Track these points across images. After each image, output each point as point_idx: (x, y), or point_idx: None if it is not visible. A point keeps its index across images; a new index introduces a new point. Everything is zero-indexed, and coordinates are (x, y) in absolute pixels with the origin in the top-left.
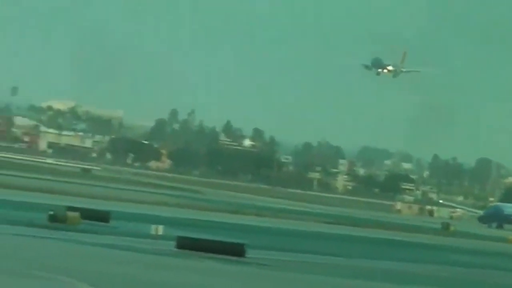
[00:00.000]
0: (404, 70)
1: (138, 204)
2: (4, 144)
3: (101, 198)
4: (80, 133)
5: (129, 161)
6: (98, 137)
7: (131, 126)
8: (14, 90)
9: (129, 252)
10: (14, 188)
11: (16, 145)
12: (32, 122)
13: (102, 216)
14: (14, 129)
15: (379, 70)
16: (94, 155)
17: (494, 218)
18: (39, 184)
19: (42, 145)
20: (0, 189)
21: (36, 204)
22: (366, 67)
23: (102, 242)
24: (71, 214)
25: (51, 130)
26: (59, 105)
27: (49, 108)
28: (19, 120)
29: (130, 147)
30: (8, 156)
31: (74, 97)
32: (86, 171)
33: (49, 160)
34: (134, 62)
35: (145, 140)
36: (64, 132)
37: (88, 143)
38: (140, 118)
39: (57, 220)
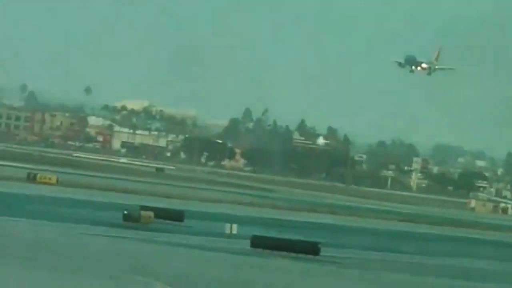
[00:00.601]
0: (438, 67)
1: (212, 203)
2: (78, 143)
3: (175, 197)
4: (154, 133)
5: (203, 160)
6: (172, 137)
7: (205, 125)
8: (88, 90)
9: (204, 251)
10: (89, 188)
11: (90, 145)
12: (106, 122)
13: (176, 215)
14: (88, 129)
15: (413, 67)
16: (168, 154)
17: None
18: (114, 184)
19: (116, 144)
20: (76, 189)
21: (111, 203)
22: (399, 64)
23: (176, 241)
24: (145, 213)
25: (125, 130)
26: (133, 104)
27: (123, 107)
28: (93, 120)
29: (204, 146)
30: (82, 155)
31: (148, 97)
32: (160, 170)
33: (123, 160)
34: (208, 61)
35: (219, 139)
36: (138, 132)
37: (162, 143)
38: (214, 117)
39: (131, 219)
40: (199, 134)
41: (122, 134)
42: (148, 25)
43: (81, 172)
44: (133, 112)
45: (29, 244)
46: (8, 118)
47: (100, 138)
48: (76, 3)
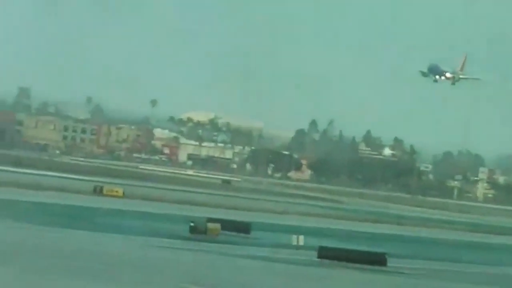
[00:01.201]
0: (462, 77)
1: (279, 215)
2: (144, 156)
3: (242, 209)
4: (220, 144)
5: (269, 171)
6: (238, 148)
7: (271, 137)
8: (154, 102)
9: (270, 263)
10: (155, 200)
11: (156, 157)
12: (172, 134)
13: (242, 227)
14: (154, 141)
15: (437, 77)
16: (234, 166)
17: None
18: (180, 196)
19: (182, 156)
20: (142, 201)
21: (177, 216)
22: (423, 74)
23: (242, 253)
24: (211, 225)
25: (191, 142)
26: (199, 116)
27: (189, 119)
28: (158, 132)
29: (270, 158)
30: (148, 168)
31: (214, 108)
32: (226, 182)
33: (189, 172)
34: (273, 72)
35: (285, 151)
36: (204, 144)
37: (228, 154)
38: (280, 129)
39: (197, 231)
40: (265, 145)
41: (188, 146)
42: (214, 37)
43: (148, 184)
44: (199, 124)
45: (95, 257)
46: (74, 131)
47: (166, 151)
48: (141, 15)
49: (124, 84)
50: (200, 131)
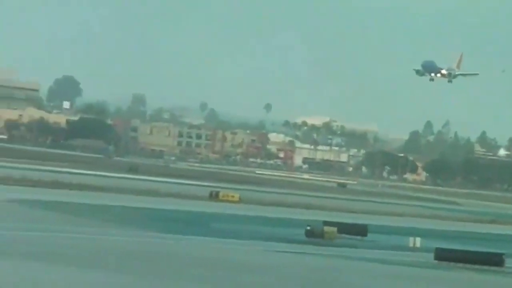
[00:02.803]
0: (459, 73)
1: (395, 217)
2: (259, 160)
3: (358, 212)
4: (335, 148)
5: (385, 174)
6: (353, 151)
7: (386, 139)
8: (268, 107)
9: (387, 265)
10: (271, 205)
11: (271, 162)
12: (287, 138)
13: (359, 230)
14: (269, 146)
15: (432, 74)
16: (349, 169)
17: None
18: (296, 200)
19: (297, 160)
20: (258, 206)
21: (294, 220)
22: (417, 72)
23: (359, 256)
24: (328, 228)
25: (306, 146)
26: (314, 120)
27: (304, 123)
28: (273, 137)
29: (385, 160)
30: (264, 172)
31: (328, 112)
32: (342, 185)
33: (305, 176)
34: (388, 76)
35: (400, 153)
36: (319, 147)
37: (343, 158)
38: (394, 131)
39: (314, 235)
40: (380, 148)
41: (303, 150)
42: (326, 41)
43: (263, 189)
44: (313, 127)
45: (216, 264)
46: (189, 136)
47: (282, 155)
48: (253, 21)
49: (238, 89)
50: (315, 134)
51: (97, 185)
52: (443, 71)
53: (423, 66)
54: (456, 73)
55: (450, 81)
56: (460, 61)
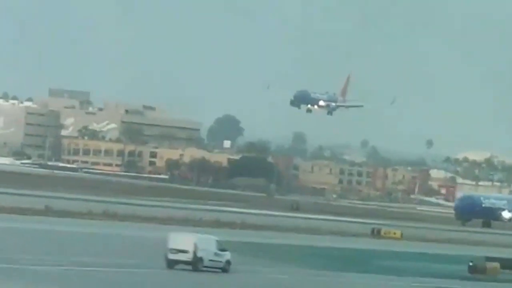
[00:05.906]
0: (340, 104)
1: None
2: (420, 197)
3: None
4: (497, 183)
5: None
6: None
7: None
8: (429, 143)
9: None
10: (433, 241)
11: (432, 199)
12: (448, 174)
13: None
14: (430, 182)
15: (309, 106)
16: None
17: (471, 212)
18: (457, 236)
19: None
20: (420, 243)
21: (455, 255)
22: (291, 103)
23: None
24: (490, 264)
25: (467, 182)
26: (475, 155)
27: (465, 159)
28: (435, 173)
29: None
30: (425, 209)
31: (489, 147)
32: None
33: None
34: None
35: None
36: (480, 183)
37: (504, 193)
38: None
39: (477, 271)
40: None
41: (464, 186)
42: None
43: (425, 225)
44: (475, 163)
45: None
46: (350, 174)
47: (443, 191)
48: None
49: (398, 127)
50: (476, 170)
51: (259, 224)
52: (321, 103)
53: (295, 96)
54: (337, 104)
55: (329, 113)
56: (345, 85)
